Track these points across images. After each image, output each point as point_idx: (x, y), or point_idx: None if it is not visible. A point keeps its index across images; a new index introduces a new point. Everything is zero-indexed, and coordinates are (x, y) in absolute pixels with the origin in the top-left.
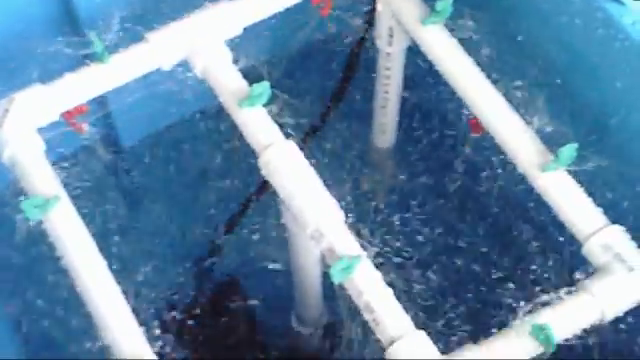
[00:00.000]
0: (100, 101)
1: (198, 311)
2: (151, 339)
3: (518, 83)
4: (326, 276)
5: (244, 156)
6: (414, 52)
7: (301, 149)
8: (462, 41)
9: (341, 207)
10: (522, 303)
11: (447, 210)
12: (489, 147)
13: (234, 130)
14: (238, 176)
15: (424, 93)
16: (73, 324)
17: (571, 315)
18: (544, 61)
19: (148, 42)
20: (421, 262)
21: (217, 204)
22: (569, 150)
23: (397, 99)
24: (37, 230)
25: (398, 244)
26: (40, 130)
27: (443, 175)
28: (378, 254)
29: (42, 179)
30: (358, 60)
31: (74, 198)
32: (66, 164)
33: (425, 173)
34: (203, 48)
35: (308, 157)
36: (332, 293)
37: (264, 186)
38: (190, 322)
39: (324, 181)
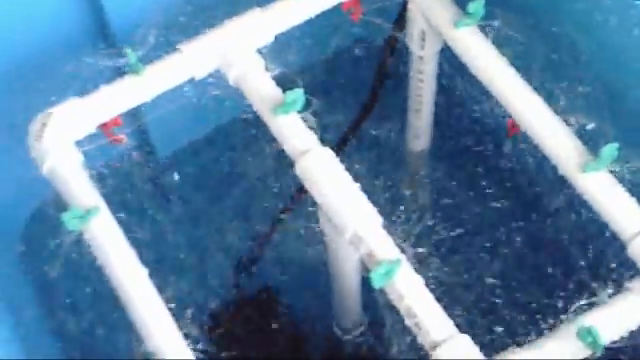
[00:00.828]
0: (135, 113)
1: (238, 320)
2: (191, 347)
3: (554, 83)
4: (364, 281)
5: (280, 163)
6: (447, 54)
7: (336, 155)
8: (495, 42)
9: (378, 211)
10: (568, 305)
11: (484, 213)
12: (525, 149)
13: (270, 137)
14: (275, 183)
15: (459, 95)
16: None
17: (618, 317)
18: (580, 60)
19: (181, 53)
20: (458, 265)
21: (254, 212)
22: (610, 150)
23: (431, 102)
24: None
25: (435, 247)
26: (77, 143)
27: (479, 178)
28: (415, 257)
29: (81, 190)
30: (390, 64)
31: (112, 209)
32: (103, 176)
33: (461, 176)
34: (235, 57)
35: (343, 162)
36: (371, 299)
37: (301, 193)
38: (230, 331)
39: (359, 186)
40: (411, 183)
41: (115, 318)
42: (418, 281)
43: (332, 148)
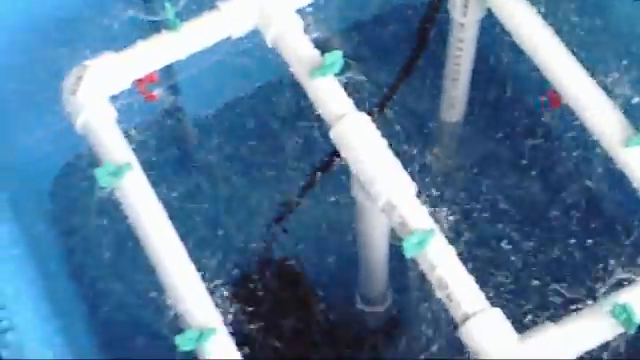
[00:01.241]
0: (168, 73)
1: (261, 289)
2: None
3: (600, 54)
4: (391, 252)
5: (313, 128)
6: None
7: (372, 121)
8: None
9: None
10: (604, 282)
11: (517, 186)
12: (560, 122)
13: (304, 102)
14: (307, 148)
15: (496, 66)
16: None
17: None
18: (626, 30)
19: (219, 10)
20: (491, 237)
21: (285, 177)
22: None
23: (468, 72)
24: None
25: (467, 219)
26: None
27: (514, 151)
28: (448, 229)
29: (115, 146)
30: (430, 30)
31: (143, 168)
32: (134, 134)
33: (495, 148)
34: (274, 17)
35: (379, 129)
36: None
37: (330, 160)
38: (252, 297)
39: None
40: (445, 153)
41: (145, 277)
42: (451, 252)
43: (368, 113)
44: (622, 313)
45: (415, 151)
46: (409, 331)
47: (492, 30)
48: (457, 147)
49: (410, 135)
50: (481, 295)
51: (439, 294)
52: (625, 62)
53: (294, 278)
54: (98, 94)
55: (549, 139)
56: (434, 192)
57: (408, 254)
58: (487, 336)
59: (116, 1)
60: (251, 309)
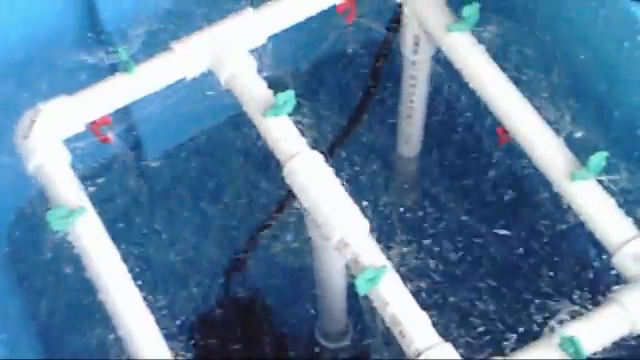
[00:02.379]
0: (124, 113)
1: (221, 325)
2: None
3: (546, 90)
4: (350, 289)
5: (271, 165)
6: (440, 61)
7: (326, 159)
8: (489, 48)
9: (365, 217)
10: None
11: (472, 219)
12: (514, 156)
13: (258, 141)
14: (265, 186)
15: (450, 101)
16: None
17: (601, 327)
18: (573, 68)
19: (173, 51)
20: (446, 271)
21: (241, 216)
22: (599, 158)
23: (422, 108)
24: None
25: (422, 254)
26: (66, 142)
27: (468, 184)
28: (402, 264)
29: (68, 190)
30: (383, 69)
31: (98, 209)
32: (90, 176)
33: (450, 182)
34: (227, 57)
35: (333, 167)
36: (356, 307)
37: (288, 198)
38: (212, 335)
39: (348, 191)
40: (400, 189)
41: (100, 319)
42: (403, 288)
43: (322, 152)
44: (570, 346)
45: (370, 186)
46: None
47: (447, 65)
48: (413, 182)
49: (366, 170)
50: (433, 330)
51: (392, 329)
52: (571, 97)
53: (253, 315)
54: (51, 137)
55: (505, 172)
56: (388, 228)
57: (360, 291)
58: None
59: (70, 43)
60: (211, 348)
